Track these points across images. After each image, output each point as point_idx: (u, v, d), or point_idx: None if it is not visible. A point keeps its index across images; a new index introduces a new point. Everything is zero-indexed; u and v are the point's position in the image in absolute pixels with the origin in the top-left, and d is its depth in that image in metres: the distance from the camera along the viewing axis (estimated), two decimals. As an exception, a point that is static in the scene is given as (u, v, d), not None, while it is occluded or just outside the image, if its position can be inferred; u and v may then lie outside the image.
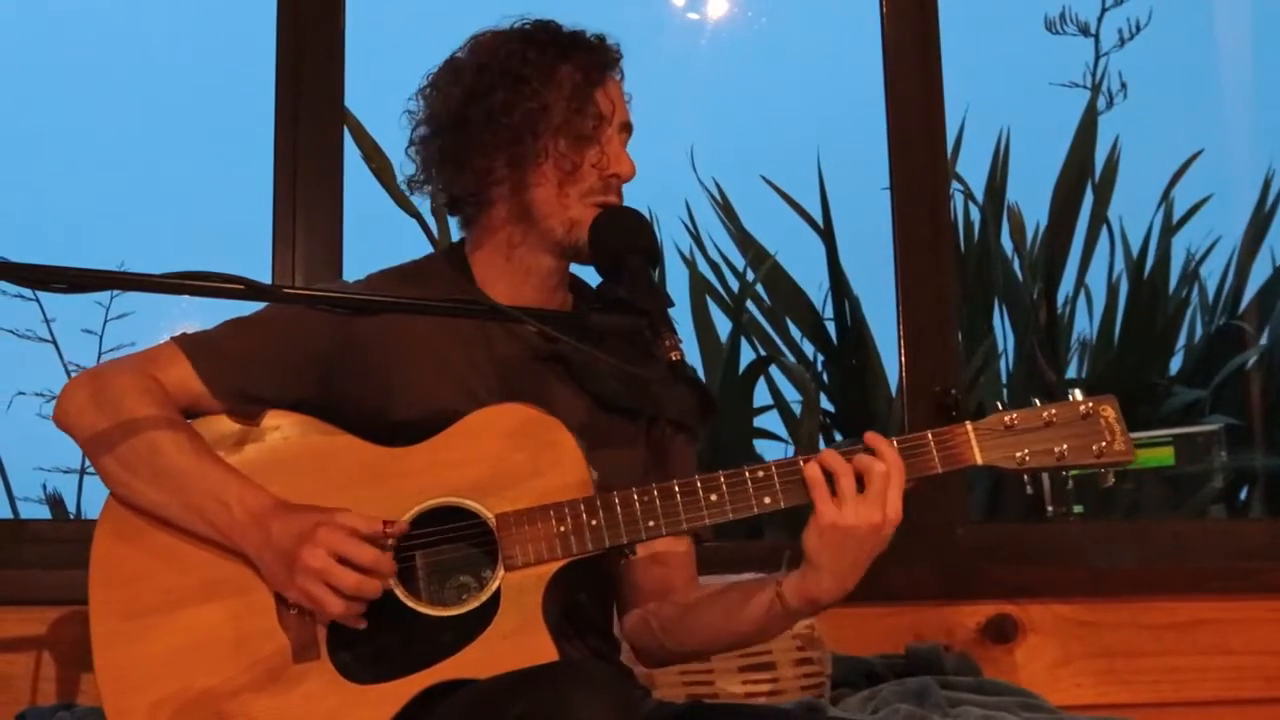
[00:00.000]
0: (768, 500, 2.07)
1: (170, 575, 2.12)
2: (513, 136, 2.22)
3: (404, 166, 2.37)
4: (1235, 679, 3.33)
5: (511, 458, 2.10)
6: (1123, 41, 4.94)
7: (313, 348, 2.22)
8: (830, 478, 2.03)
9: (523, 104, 2.22)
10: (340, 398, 2.22)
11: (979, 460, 2.09)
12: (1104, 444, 2.09)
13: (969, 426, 2.09)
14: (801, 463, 2.06)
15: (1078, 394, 2.11)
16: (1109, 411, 2.11)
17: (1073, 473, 2.11)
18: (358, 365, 2.23)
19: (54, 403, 2.23)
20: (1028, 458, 2.08)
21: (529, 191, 2.25)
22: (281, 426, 2.20)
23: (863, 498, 2.02)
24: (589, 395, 2.29)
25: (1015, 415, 2.09)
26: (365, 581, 2.00)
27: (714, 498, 2.07)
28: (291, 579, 2.02)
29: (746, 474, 2.08)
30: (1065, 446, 2.08)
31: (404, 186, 2.38)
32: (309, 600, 2.02)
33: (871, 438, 2.06)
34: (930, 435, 2.09)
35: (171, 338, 2.25)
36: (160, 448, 2.12)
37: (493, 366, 2.26)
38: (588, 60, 2.27)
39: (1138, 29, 4.92)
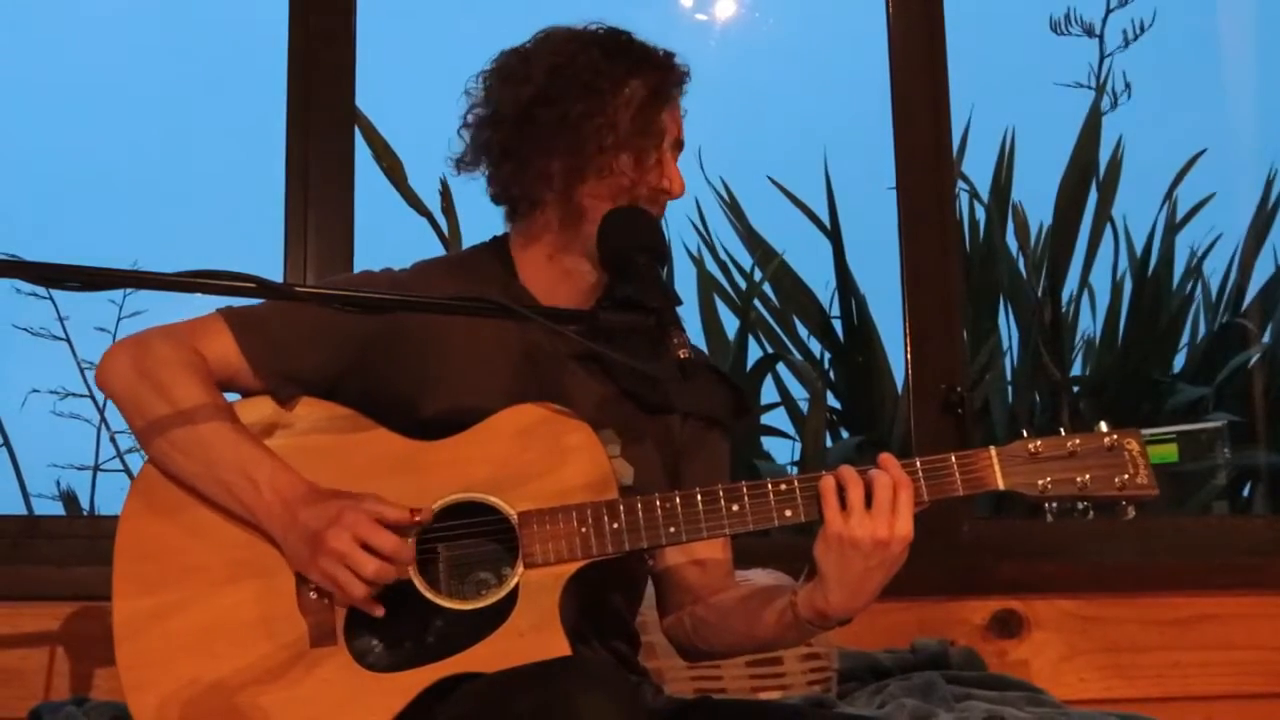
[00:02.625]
0: (789, 513, 2.07)
1: (195, 553, 2.14)
2: (578, 147, 2.23)
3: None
4: (1238, 674, 3.34)
5: (536, 456, 2.11)
6: (1127, 42, 4.96)
7: (355, 330, 2.22)
8: (841, 490, 2.04)
9: (594, 116, 2.22)
10: (376, 383, 2.23)
11: (1001, 485, 2.08)
12: (1127, 476, 2.07)
13: (993, 452, 2.08)
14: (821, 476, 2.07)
15: (1103, 426, 2.10)
16: (1133, 444, 2.09)
17: (1090, 504, 2.09)
18: (397, 352, 2.24)
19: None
20: (1050, 486, 2.07)
21: (581, 201, 2.25)
22: (312, 414, 2.21)
23: (869, 512, 2.02)
24: (625, 392, 2.30)
25: (1040, 443, 2.08)
26: (386, 568, 2.01)
27: (735, 507, 2.08)
28: (314, 560, 2.04)
29: (769, 486, 2.08)
30: (1088, 477, 2.07)
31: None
32: (330, 582, 2.04)
33: (883, 457, 2.07)
34: (954, 458, 2.08)
35: (217, 310, 2.25)
36: (197, 421, 2.13)
37: (528, 363, 2.26)
38: (658, 78, 2.28)
39: (1142, 30, 4.94)
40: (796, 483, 2.08)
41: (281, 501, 2.07)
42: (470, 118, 2.33)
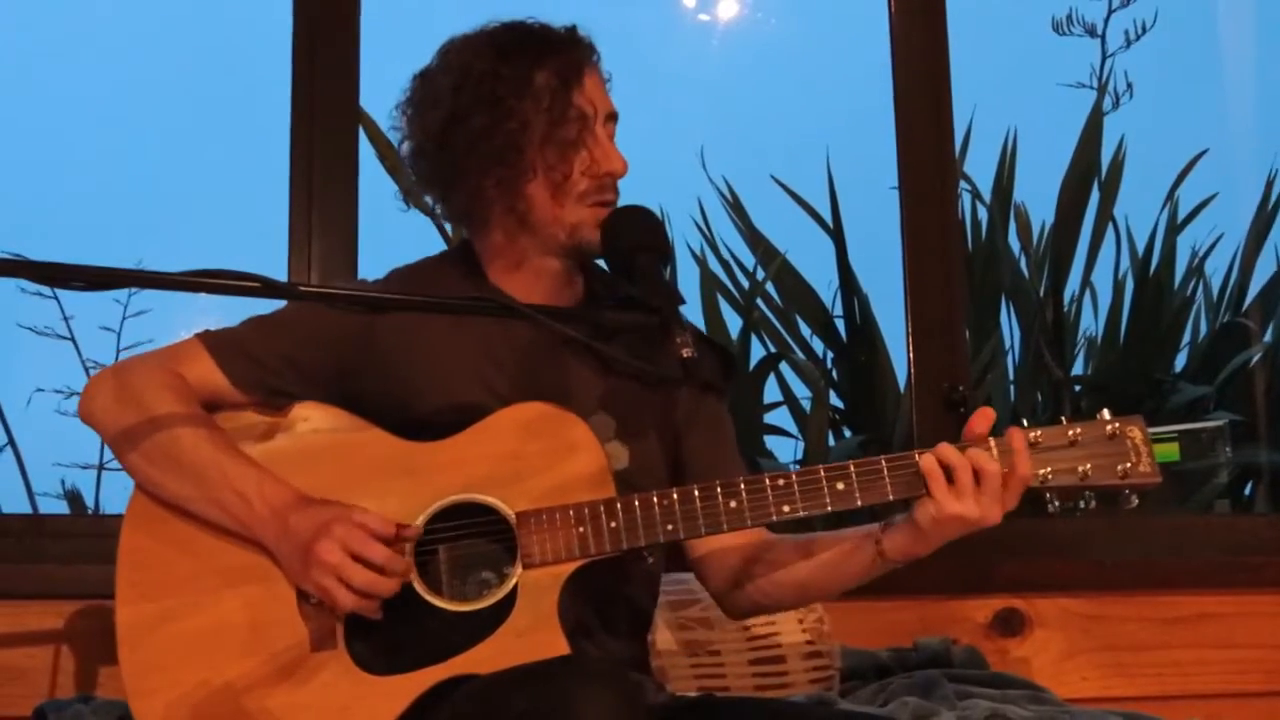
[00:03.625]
0: (786, 509, 2.07)
1: (195, 561, 2.15)
2: (497, 159, 2.20)
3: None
4: (1238, 672, 3.33)
5: (535, 454, 2.11)
6: (1129, 43, 4.97)
7: (334, 344, 2.23)
8: (948, 471, 2.05)
9: (502, 126, 2.20)
10: (361, 394, 2.23)
11: None
12: (1129, 465, 2.06)
13: (992, 442, 2.07)
14: (823, 471, 2.08)
15: (1106, 413, 2.08)
16: (1135, 432, 2.07)
17: (1093, 494, 2.08)
18: (378, 362, 2.24)
19: (76, 398, 2.25)
20: (1050, 476, 2.06)
21: (524, 206, 2.23)
22: (309, 418, 2.22)
23: (980, 491, 2.04)
24: (616, 378, 2.28)
25: (1040, 432, 2.07)
26: (377, 580, 2.01)
27: (733, 504, 2.08)
28: (306, 571, 2.04)
29: (766, 481, 2.08)
30: (1089, 466, 2.06)
31: (401, 199, 2.38)
32: (322, 593, 2.04)
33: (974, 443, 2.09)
34: None
35: (195, 334, 2.26)
36: (182, 442, 2.14)
37: (515, 358, 2.26)
38: (561, 62, 2.24)
39: (1143, 30, 4.95)
40: (794, 478, 2.08)
41: (273, 512, 2.08)
42: (401, 153, 2.32)
